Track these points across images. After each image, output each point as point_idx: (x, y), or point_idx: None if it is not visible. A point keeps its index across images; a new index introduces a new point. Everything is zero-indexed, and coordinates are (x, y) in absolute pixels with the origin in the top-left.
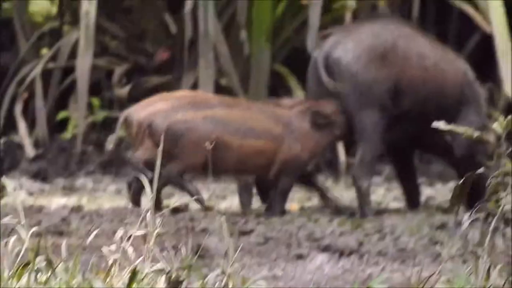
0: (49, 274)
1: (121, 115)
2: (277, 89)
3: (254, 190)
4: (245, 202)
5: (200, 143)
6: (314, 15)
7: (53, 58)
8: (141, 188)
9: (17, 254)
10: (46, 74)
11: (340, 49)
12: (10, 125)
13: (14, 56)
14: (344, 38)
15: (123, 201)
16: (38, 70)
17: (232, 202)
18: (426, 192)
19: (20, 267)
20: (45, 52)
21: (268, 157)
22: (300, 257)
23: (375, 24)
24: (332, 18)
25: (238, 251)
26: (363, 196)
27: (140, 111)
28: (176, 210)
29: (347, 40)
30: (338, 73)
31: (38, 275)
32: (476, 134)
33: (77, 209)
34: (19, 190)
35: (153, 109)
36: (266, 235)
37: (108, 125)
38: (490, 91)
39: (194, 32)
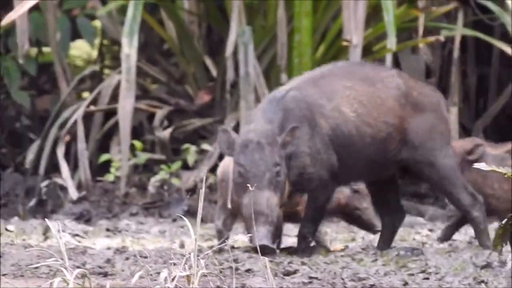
0: None
1: None
2: None
3: None
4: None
5: None
6: (355, 57)
7: (94, 101)
8: None
9: None
10: (88, 117)
11: None
12: (53, 168)
13: (55, 100)
14: None
15: (166, 242)
16: (79, 113)
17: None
18: (470, 232)
19: None
20: (86, 95)
21: None
22: None
23: None
24: (372, 59)
25: None
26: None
27: None
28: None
29: None
30: None
31: None
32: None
33: (121, 250)
34: (63, 232)
35: None
36: (310, 275)
37: (150, 168)
38: None
39: (235, 74)
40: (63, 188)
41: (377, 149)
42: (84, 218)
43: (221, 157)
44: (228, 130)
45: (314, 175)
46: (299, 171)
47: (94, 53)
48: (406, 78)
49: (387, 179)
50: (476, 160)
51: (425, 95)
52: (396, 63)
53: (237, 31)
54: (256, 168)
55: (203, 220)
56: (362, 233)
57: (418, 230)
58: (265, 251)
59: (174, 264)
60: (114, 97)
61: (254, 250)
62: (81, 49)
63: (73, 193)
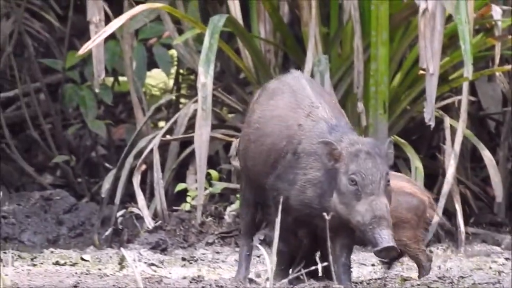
0: None
1: None
2: (394, 159)
3: None
4: None
5: None
6: (431, 86)
7: (170, 130)
8: None
9: None
10: (164, 146)
11: None
12: (129, 197)
13: (131, 129)
14: None
15: None
16: (155, 142)
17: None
18: None
19: None
20: (162, 124)
21: None
22: None
23: None
24: (449, 88)
25: None
26: None
27: None
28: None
29: None
30: None
31: None
32: None
33: (197, 279)
34: (139, 262)
35: None
36: None
37: (226, 197)
38: None
39: None
40: (139, 218)
41: None
42: (160, 247)
43: None
44: (331, 142)
45: None
46: None
47: (171, 82)
48: None
49: None
50: None
51: None
52: (473, 92)
53: (314, 60)
54: (372, 175)
55: None
56: (438, 261)
57: (495, 259)
58: (390, 252)
59: None
60: (190, 126)
61: (329, 278)
62: (157, 78)
63: (149, 223)
